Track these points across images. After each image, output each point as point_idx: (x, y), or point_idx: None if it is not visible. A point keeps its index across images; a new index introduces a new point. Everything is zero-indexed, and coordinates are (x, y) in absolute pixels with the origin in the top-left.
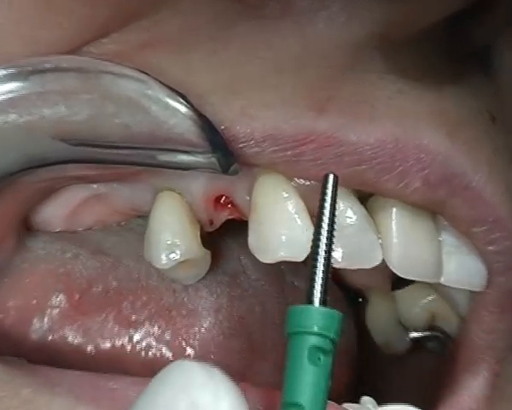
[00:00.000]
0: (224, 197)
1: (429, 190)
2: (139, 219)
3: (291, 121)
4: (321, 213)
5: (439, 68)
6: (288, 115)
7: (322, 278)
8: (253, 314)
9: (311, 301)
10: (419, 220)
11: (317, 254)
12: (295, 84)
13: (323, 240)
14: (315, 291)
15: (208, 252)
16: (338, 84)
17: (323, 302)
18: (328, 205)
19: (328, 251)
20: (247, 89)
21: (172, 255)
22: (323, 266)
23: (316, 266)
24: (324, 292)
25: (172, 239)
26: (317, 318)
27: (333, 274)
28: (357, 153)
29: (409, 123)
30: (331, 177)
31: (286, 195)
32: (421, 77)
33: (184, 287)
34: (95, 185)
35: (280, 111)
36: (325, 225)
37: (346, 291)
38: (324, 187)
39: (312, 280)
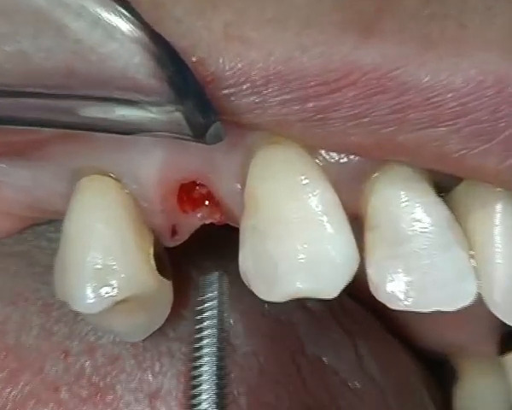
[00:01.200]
0: (196, 187)
1: None
2: (44, 228)
3: (314, 50)
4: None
5: None
6: (309, 40)
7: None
8: None
9: None
10: None
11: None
12: None
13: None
14: None
15: (168, 283)
16: None
17: None
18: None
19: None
20: None
21: (105, 290)
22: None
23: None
24: None
25: (104, 261)
26: None
27: (395, 328)
28: (432, 104)
29: None
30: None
31: (305, 181)
32: None
33: (128, 348)
34: None
35: (294, 32)
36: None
37: (420, 359)
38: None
39: None
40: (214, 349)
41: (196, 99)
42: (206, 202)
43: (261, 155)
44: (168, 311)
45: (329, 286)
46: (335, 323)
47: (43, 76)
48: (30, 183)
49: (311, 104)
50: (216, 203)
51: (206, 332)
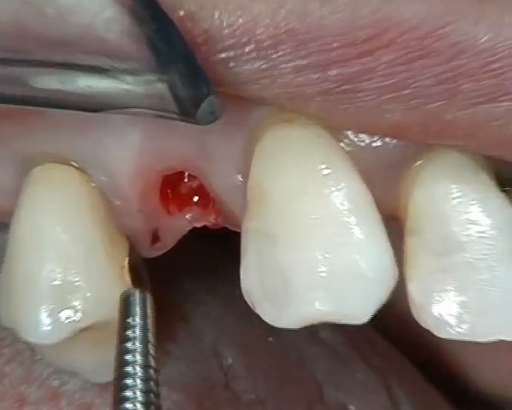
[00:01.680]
0: (184, 179)
1: None
2: None
3: (337, 0)
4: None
5: None
6: None
7: None
8: None
9: None
10: None
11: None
12: None
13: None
14: None
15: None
16: None
17: None
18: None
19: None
20: None
21: (65, 314)
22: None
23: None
24: None
25: (64, 275)
26: None
27: (445, 367)
28: (492, 72)
29: None
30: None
31: (327, 170)
32: None
33: (102, 395)
34: None
35: None
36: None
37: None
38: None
39: None
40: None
41: (184, 66)
42: (197, 199)
43: (269, 137)
44: None
45: (358, 308)
46: (361, 359)
47: None
48: None
49: (334, 72)
50: (210, 200)
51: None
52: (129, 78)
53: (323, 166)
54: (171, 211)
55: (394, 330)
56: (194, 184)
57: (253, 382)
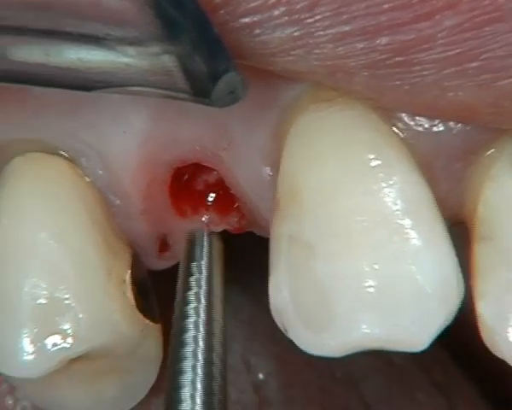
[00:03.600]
0: (200, 173)
1: None
2: None
3: None
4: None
5: None
6: None
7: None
8: None
9: None
10: None
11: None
12: None
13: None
14: None
15: (155, 329)
16: None
17: None
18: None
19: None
20: None
21: (52, 339)
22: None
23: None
24: None
25: (52, 292)
26: None
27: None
28: None
29: None
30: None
31: (376, 162)
32: None
33: None
34: None
35: None
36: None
37: None
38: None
39: None
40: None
41: (197, 33)
42: (215, 198)
43: (304, 121)
44: (154, 376)
45: (414, 333)
46: (422, 375)
47: None
48: None
49: (383, 40)
50: (232, 199)
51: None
52: (129, 49)
53: (372, 157)
54: (183, 212)
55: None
56: (212, 178)
57: (290, 407)
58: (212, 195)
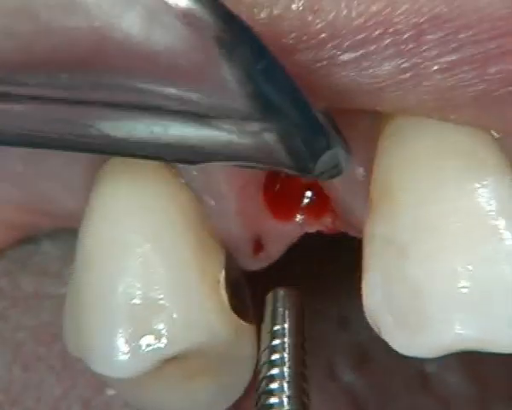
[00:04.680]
0: (294, 176)
1: None
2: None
3: None
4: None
5: None
6: None
7: None
8: None
9: None
10: None
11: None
12: None
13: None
14: None
15: (250, 330)
16: None
17: None
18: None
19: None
20: None
21: (146, 340)
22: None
23: None
24: None
25: (146, 292)
26: None
27: None
28: None
29: None
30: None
31: (471, 162)
32: None
33: None
34: None
35: None
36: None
37: None
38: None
39: None
40: None
41: (295, 113)
42: (309, 197)
43: (398, 121)
44: (249, 376)
45: (509, 333)
46: None
47: (41, 63)
48: (27, 169)
49: (493, 69)
50: (325, 200)
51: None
52: (231, 127)
53: (466, 158)
54: (277, 214)
55: None
56: (305, 180)
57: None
58: (308, 195)
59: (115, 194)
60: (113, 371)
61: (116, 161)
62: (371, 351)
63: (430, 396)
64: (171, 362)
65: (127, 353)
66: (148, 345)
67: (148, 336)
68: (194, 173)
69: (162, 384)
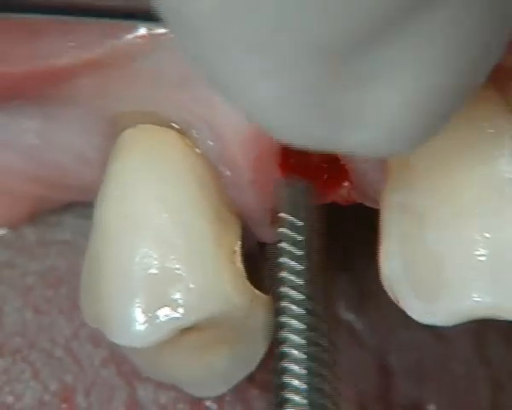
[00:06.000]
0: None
1: None
2: (67, 216)
3: None
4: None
5: None
6: None
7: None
8: None
9: None
10: None
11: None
12: None
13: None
14: None
15: (265, 300)
16: None
17: None
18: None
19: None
20: None
21: (164, 310)
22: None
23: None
24: None
25: (163, 262)
26: None
27: None
28: None
29: None
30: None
31: (489, 130)
32: None
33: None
34: None
35: None
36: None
37: None
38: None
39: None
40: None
41: None
42: (325, 168)
43: None
44: (265, 346)
45: None
46: None
47: None
48: (40, 140)
49: None
50: (341, 170)
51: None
52: None
53: (484, 126)
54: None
55: None
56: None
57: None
58: (324, 166)
59: (131, 165)
60: (130, 341)
61: (131, 133)
62: (370, 290)
63: (427, 331)
64: (187, 332)
65: (144, 323)
66: (165, 315)
67: (164, 305)
68: (210, 143)
69: (178, 354)
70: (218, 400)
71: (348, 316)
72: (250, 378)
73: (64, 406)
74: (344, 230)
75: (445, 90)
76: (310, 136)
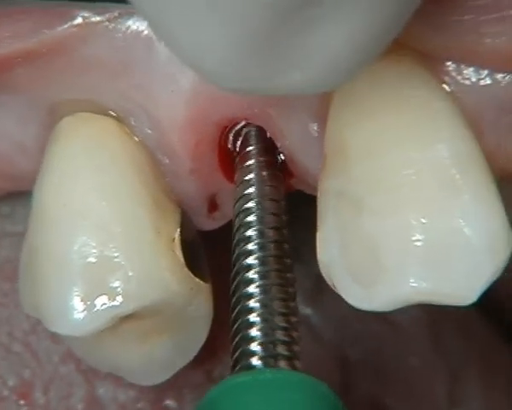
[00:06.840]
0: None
1: None
2: (18, 207)
3: None
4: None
5: None
6: None
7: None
8: None
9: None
10: None
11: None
12: None
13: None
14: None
15: (205, 288)
16: None
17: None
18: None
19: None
20: None
21: (102, 299)
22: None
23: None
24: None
25: (101, 250)
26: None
27: None
28: None
29: None
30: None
31: (425, 116)
32: None
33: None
34: None
35: None
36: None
37: None
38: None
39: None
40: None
41: None
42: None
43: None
44: (205, 334)
45: (462, 287)
46: None
47: None
48: None
49: None
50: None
51: None
52: None
53: (420, 111)
54: (230, 173)
55: None
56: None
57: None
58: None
59: (70, 153)
60: (69, 330)
61: (69, 121)
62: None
63: (383, 322)
64: (126, 320)
65: (82, 311)
66: (103, 303)
67: (103, 294)
68: (148, 131)
69: (118, 343)
70: (179, 398)
71: (305, 310)
72: (209, 375)
73: (22, 402)
74: (299, 219)
75: (381, 25)
76: (255, 78)
